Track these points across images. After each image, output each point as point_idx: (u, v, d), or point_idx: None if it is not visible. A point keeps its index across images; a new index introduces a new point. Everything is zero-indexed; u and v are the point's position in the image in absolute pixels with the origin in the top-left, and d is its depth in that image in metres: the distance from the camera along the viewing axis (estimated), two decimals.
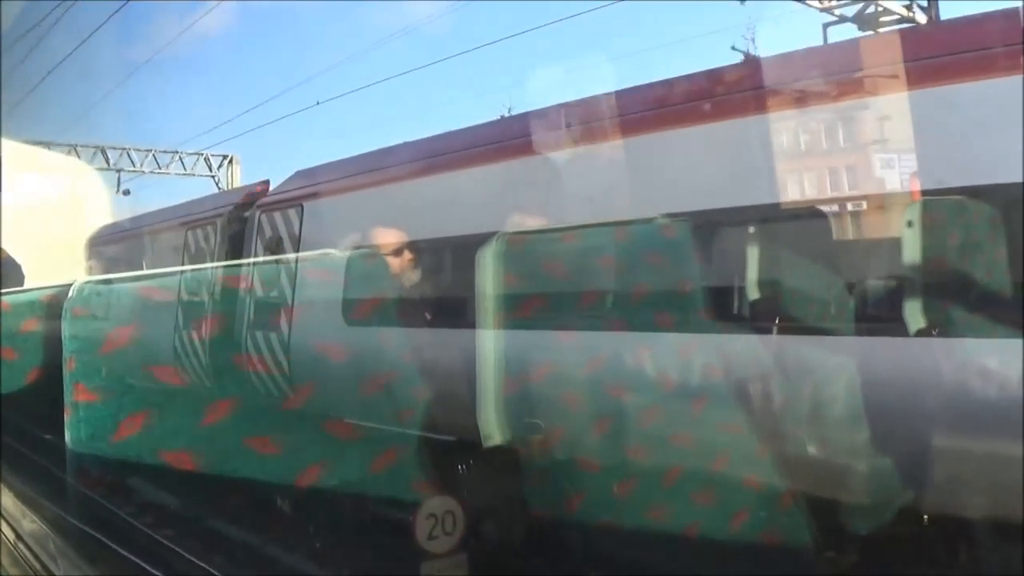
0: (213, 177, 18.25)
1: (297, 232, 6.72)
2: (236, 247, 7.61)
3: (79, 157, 16.96)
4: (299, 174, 7.37)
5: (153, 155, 17.83)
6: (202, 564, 4.15)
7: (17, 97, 14.93)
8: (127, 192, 17.12)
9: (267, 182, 8.08)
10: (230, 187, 17.49)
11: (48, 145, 16.43)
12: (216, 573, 4.09)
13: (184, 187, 18.50)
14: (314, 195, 6.71)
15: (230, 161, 18.36)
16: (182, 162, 18.17)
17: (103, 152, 17.34)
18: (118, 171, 17.33)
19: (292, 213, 6.83)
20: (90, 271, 10.90)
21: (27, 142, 15.76)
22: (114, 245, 10.88)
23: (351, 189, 6.28)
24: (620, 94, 4.92)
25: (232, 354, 7.02)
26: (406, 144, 6.28)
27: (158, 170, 17.85)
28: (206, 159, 18.34)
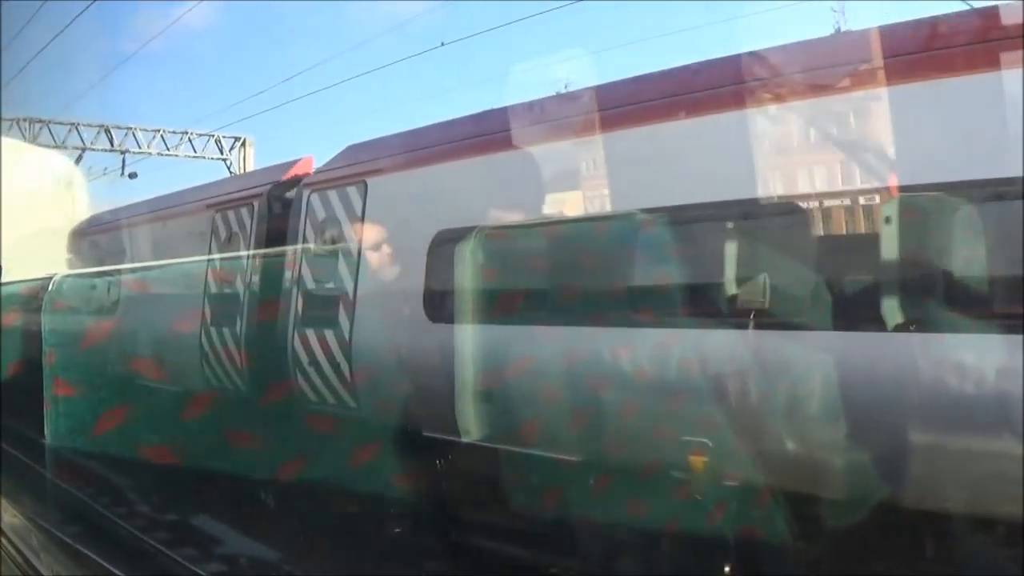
0: (225, 160, 17.19)
1: (360, 214, 5.75)
2: (278, 233, 6.65)
3: (81, 136, 15.98)
4: (353, 148, 6.39)
5: (161, 135, 16.72)
6: (185, 562, 4.30)
7: (17, 66, 13.92)
8: (133, 175, 16.11)
9: (310, 159, 7.13)
10: (242, 170, 16.46)
11: (48, 123, 15.46)
12: (195, 569, 4.27)
13: (189, 172, 17.49)
14: (380, 171, 5.72)
15: (243, 143, 17.28)
16: (191, 143, 17.05)
17: (107, 132, 16.22)
18: (123, 152, 16.25)
19: (353, 192, 5.85)
20: (81, 263, 10.02)
21: (26, 119, 14.81)
22: (119, 232, 9.85)
23: (432, 162, 5.29)
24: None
25: (276, 357, 6.13)
26: (500, 110, 5.29)
27: (166, 152, 16.76)
28: (217, 140, 17.22)
